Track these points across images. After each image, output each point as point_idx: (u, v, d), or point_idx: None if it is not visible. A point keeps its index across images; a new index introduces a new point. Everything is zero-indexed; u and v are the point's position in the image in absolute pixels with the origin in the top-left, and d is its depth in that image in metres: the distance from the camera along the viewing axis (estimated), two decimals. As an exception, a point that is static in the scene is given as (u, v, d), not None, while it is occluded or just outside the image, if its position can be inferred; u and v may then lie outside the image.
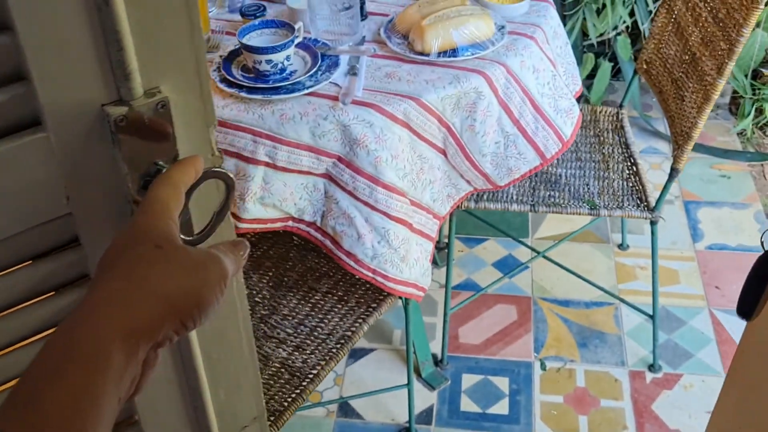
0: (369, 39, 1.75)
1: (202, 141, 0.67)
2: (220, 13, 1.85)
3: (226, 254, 0.59)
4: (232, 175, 0.66)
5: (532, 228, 2.75)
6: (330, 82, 1.60)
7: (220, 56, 1.66)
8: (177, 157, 0.64)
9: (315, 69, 1.60)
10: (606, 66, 2.96)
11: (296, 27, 1.61)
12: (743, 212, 2.80)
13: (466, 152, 1.68)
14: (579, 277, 2.40)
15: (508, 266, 2.59)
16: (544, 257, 2.44)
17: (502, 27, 1.71)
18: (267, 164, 1.56)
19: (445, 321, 2.20)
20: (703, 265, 2.60)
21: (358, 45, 1.72)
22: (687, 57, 1.98)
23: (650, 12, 2.99)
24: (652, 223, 2.03)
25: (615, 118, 2.33)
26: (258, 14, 1.73)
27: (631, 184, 2.09)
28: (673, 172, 1.94)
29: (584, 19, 2.87)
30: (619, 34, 2.98)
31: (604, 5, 2.85)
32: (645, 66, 2.24)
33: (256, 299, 1.78)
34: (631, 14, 2.94)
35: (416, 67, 1.64)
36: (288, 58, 1.59)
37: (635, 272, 2.58)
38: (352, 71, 1.62)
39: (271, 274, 1.85)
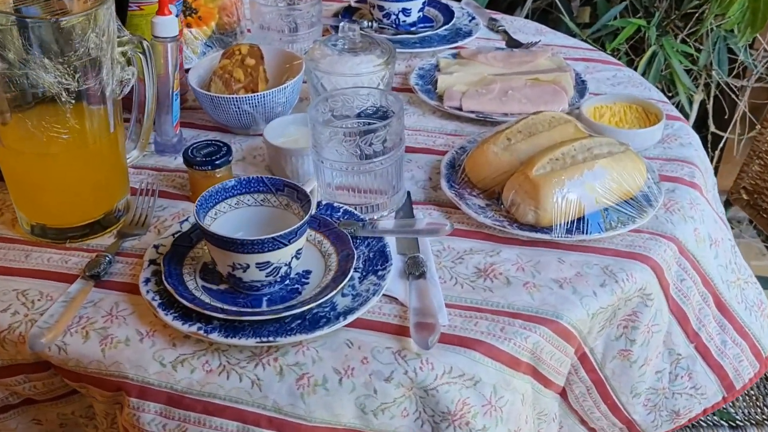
0: (419, 198, 0.99)
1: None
2: (146, 156, 1.05)
3: None
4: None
5: None
6: (384, 296, 0.83)
7: (158, 251, 0.86)
8: None
9: (347, 271, 0.82)
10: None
11: (309, 189, 0.84)
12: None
13: (607, 391, 0.94)
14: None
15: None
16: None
17: (652, 171, 1.00)
18: (272, 477, 0.76)
19: None
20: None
21: (403, 209, 0.96)
22: None
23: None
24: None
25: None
26: (218, 161, 0.95)
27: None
28: None
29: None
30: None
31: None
32: (745, 195, 1.58)
33: None
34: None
35: (529, 253, 0.90)
36: (298, 253, 0.82)
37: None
38: (416, 269, 0.86)
39: None
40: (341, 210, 0.93)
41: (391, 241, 0.89)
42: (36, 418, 0.88)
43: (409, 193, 1.00)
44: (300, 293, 0.83)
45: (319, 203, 0.93)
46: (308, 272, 0.85)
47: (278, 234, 0.77)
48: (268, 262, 0.79)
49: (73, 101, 0.83)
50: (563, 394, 0.93)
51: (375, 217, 0.96)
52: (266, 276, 0.80)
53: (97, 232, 0.92)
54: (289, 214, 0.85)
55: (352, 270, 0.83)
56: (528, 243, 0.91)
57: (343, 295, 0.82)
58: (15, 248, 0.91)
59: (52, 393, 0.84)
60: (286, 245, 0.79)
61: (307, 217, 0.80)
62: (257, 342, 0.76)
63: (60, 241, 0.91)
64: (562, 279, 0.86)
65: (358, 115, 0.99)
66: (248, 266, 0.79)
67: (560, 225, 0.90)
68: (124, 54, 0.87)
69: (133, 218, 0.94)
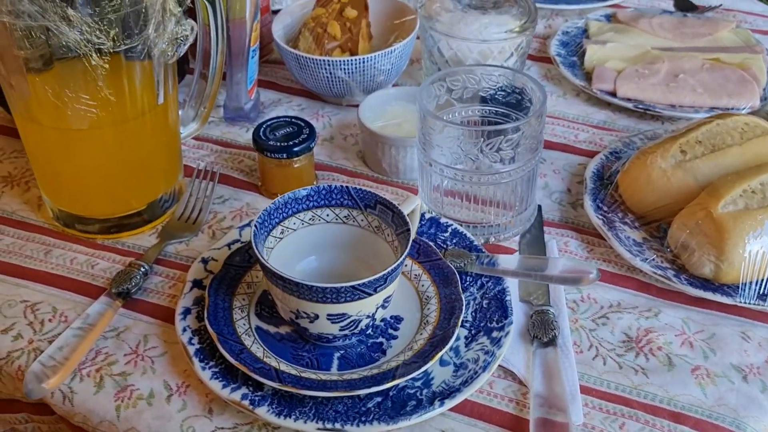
0: (553, 216, 0.76)
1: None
2: (212, 124, 0.85)
3: None
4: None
5: None
6: (500, 368, 0.61)
7: (206, 267, 0.66)
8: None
9: (452, 330, 0.60)
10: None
11: (408, 210, 0.62)
12: None
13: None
14: None
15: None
16: None
17: None
18: None
19: None
20: None
21: (531, 232, 0.73)
22: None
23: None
24: None
25: None
26: (296, 147, 0.73)
27: None
28: None
29: None
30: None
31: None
32: None
33: None
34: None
35: (700, 319, 0.66)
36: (386, 302, 0.60)
37: None
38: (544, 332, 0.63)
39: None
40: (449, 229, 0.71)
41: (512, 283, 0.67)
42: (45, 458, 0.70)
43: (540, 208, 0.76)
44: (384, 353, 0.61)
45: (422, 216, 0.71)
46: (398, 320, 0.64)
47: (360, 282, 0.56)
48: (345, 314, 0.58)
49: (107, 65, 0.62)
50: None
51: (492, 240, 0.73)
52: (340, 330, 0.59)
53: (137, 227, 0.73)
54: (379, 240, 0.63)
55: (458, 328, 0.60)
56: (698, 302, 0.67)
57: (442, 363, 0.60)
58: (35, 240, 0.72)
59: (61, 438, 0.67)
60: (370, 295, 0.57)
61: (402, 257, 0.58)
62: (319, 428, 0.55)
63: (89, 235, 0.72)
64: (747, 367, 0.62)
65: (483, 100, 0.76)
66: (317, 317, 0.58)
67: (750, 285, 0.65)
68: (180, 3, 0.65)
69: (183, 212, 0.74)
